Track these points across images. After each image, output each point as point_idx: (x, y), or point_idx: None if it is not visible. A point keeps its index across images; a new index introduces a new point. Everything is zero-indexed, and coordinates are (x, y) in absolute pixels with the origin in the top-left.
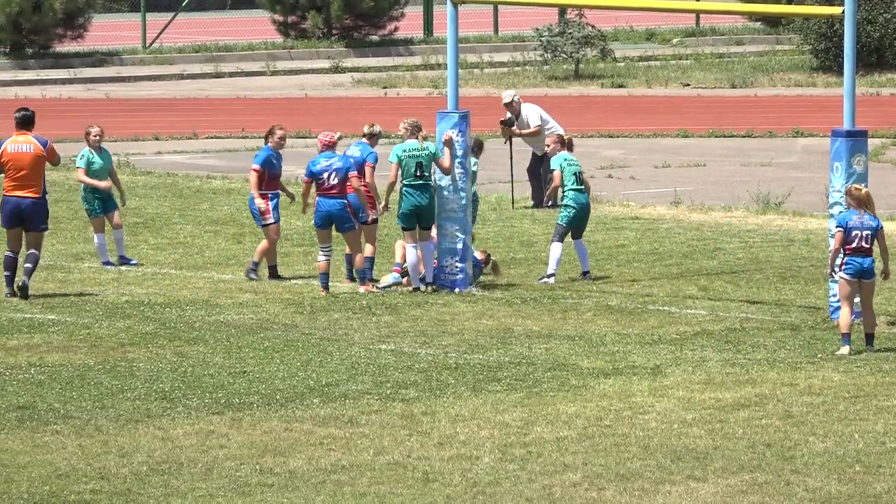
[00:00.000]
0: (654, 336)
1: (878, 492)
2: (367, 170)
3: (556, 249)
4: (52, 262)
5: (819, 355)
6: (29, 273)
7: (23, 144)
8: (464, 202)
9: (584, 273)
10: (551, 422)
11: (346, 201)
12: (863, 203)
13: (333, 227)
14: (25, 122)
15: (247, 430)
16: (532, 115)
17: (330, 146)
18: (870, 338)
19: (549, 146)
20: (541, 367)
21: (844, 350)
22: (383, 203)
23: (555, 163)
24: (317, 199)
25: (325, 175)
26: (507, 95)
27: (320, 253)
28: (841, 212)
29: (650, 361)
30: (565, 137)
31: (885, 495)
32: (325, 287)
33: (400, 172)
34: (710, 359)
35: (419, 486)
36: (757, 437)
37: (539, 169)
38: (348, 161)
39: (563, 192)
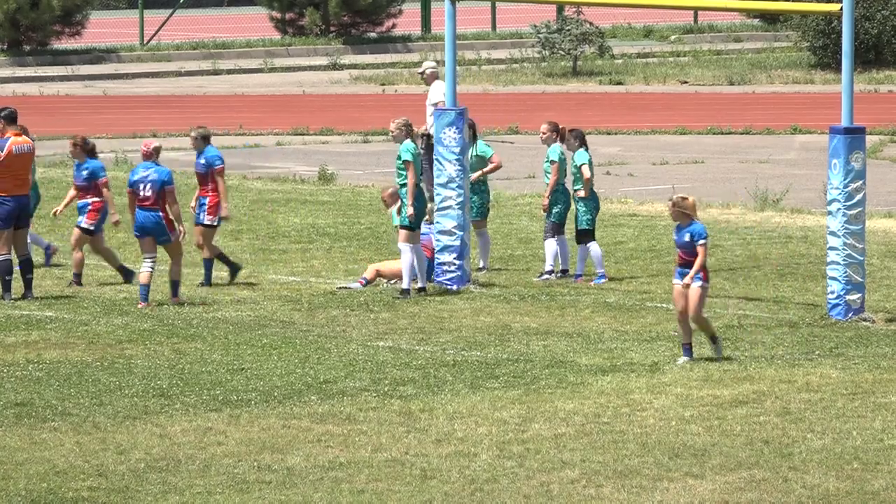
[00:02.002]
0: (651, 333)
1: (876, 489)
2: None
3: (551, 246)
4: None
5: (817, 352)
6: (31, 283)
7: (23, 144)
8: (461, 199)
9: (564, 271)
10: (549, 419)
11: (161, 214)
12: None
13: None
14: (16, 118)
15: (245, 427)
16: (437, 90)
17: (147, 156)
18: (686, 348)
19: (544, 134)
20: (539, 364)
21: (681, 360)
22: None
23: (554, 153)
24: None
25: (141, 186)
26: (425, 66)
27: (143, 264)
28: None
29: (648, 358)
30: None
31: (882, 492)
32: (144, 299)
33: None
34: (707, 356)
35: (417, 483)
36: (755, 434)
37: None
38: (165, 174)
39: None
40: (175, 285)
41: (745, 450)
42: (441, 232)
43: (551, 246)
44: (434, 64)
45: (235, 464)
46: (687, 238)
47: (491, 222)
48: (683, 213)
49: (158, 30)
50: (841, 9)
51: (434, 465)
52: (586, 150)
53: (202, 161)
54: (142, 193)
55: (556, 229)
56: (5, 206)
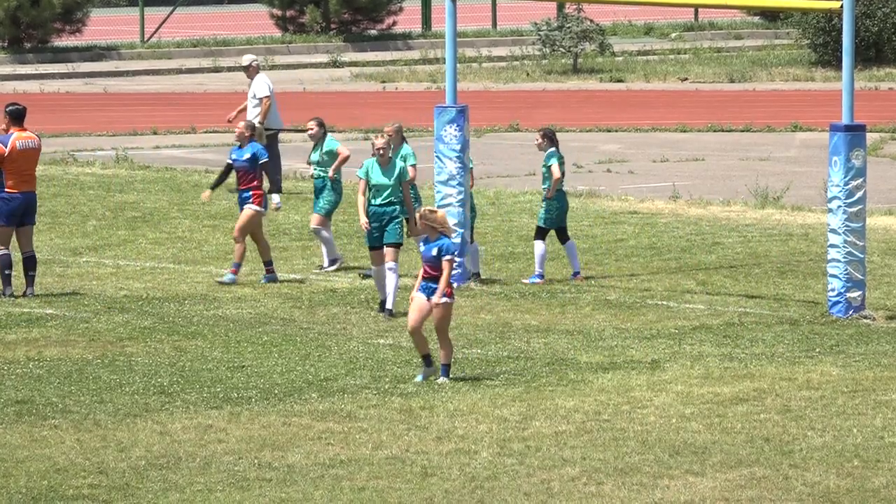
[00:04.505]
0: (652, 330)
1: (877, 486)
2: None
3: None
4: (50, 256)
5: (817, 350)
6: (33, 280)
7: (28, 140)
8: (462, 196)
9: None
10: (550, 416)
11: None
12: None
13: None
14: (23, 116)
15: (245, 425)
16: (261, 85)
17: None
18: (445, 368)
19: (539, 141)
20: (539, 361)
21: (441, 380)
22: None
23: (551, 158)
24: None
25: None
26: (246, 59)
27: None
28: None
29: (648, 356)
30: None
31: (883, 489)
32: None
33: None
34: (708, 353)
35: (417, 481)
36: (755, 432)
37: (275, 148)
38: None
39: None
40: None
41: (746, 447)
42: None
43: (541, 248)
44: (255, 57)
45: (236, 461)
46: (434, 252)
47: (491, 219)
48: (431, 227)
49: (159, 27)
50: (841, 6)
51: (434, 462)
52: (558, 149)
53: (247, 155)
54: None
55: (542, 233)
56: (13, 203)
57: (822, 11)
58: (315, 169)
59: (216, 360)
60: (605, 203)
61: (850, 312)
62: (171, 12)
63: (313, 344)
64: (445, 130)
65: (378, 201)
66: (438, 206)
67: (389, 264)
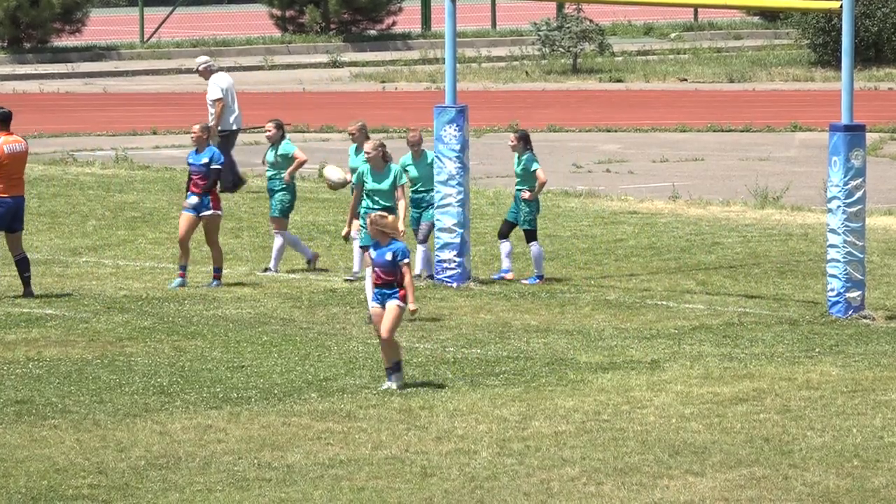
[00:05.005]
0: (652, 330)
1: (877, 486)
2: None
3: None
4: (49, 256)
5: (817, 350)
6: (30, 280)
7: (15, 144)
8: (461, 196)
9: (503, 275)
10: (549, 416)
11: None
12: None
13: None
14: (9, 120)
15: (245, 425)
16: (213, 88)
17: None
18: (390, 370)
19: (514, 143)
20: (539, 361)
21: (389, 385)
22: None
23: (534, 163)
24: None
25: None
26: (197, 61)
27: None
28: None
29: (648, 356)
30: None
31: (882, 489)
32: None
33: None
34: (708, 353)
35: (417, 481)
36: (755, 432)
37: (228, 149)
38: None
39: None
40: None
41: (746, 447)
42: (441, 230)
43: (506, 247)
44: (207, 58)
45: (235, 461)
46: (389, 257)
47: (491, 219)
48: (382, 233)
49: (159, 27)
50: (841, 6)
51: (434, 462)
52: (532, 151)
53: (205, 159)
54: None
55: (532, 235)
56: (2, 207)
57: (821, 11)
58: (269, 170)
59: (216, 360)
60: (604, 203)
61: (850, 312)
62: (171, 12)
63: (313, 344)
64: (445, 130)
65: (379, 206)
66: (438, 207)
67: None
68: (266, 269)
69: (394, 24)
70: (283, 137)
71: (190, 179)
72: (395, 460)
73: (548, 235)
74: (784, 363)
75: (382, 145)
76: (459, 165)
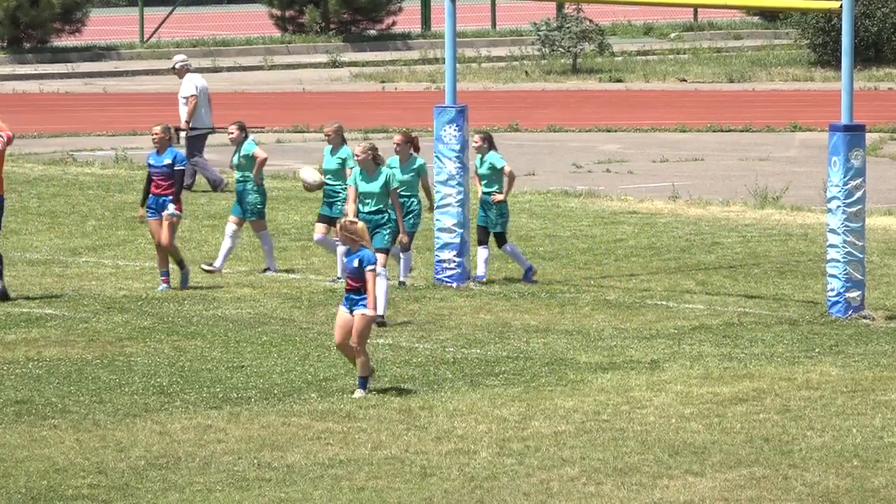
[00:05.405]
0: (651, 331)
1: (876, 486)
2: None
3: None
4: (49, 256)
5: (817, 350)
6: (2, 274)
7: None
8: (461, 196)
9: (479, 278)
10: (549, 416)
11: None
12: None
13: None
14: None
15: (245, 425)
16: (187, 85)
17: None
18: (362, 380)
19: (477, 143)
20: (538, 361)
21: (358, 394)
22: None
23: (501, 161)
24: None
25: None
26: (174, 60)
27: None
28: None
29: (648, 356)
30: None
31: (882, 489)
32: None
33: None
34: (707, 353)
35: (417, 481)
36: (755, 432)
37: (200, 148)
38: None
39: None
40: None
41: (745, 447)
42: (441, 229)
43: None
44: (184, 57)
45: (235, 461)
46: (356, 264)
47: None
48: (352, 239)
49: (158, 27)
50: (841, 6)
51: (434, 462)
52: (496, 151)
53: (167, 160)
54: None
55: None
56: None
57: (821, 11)
58: (236, 173)
59: (216, 360)
60: (604, 203)
61: (850, 312)
62: (171, 12)
63: (313, 344)
64: (445, 130)
65: (366, 209)
66: (437, 207)
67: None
68: (265, 270)
69: (394, 24)
70: (245, 138)
71: (150, 181)
72: (394, 460)
73: (548, 235)
74: (784, 363)
75: (373, 148)
76: (459, 165)
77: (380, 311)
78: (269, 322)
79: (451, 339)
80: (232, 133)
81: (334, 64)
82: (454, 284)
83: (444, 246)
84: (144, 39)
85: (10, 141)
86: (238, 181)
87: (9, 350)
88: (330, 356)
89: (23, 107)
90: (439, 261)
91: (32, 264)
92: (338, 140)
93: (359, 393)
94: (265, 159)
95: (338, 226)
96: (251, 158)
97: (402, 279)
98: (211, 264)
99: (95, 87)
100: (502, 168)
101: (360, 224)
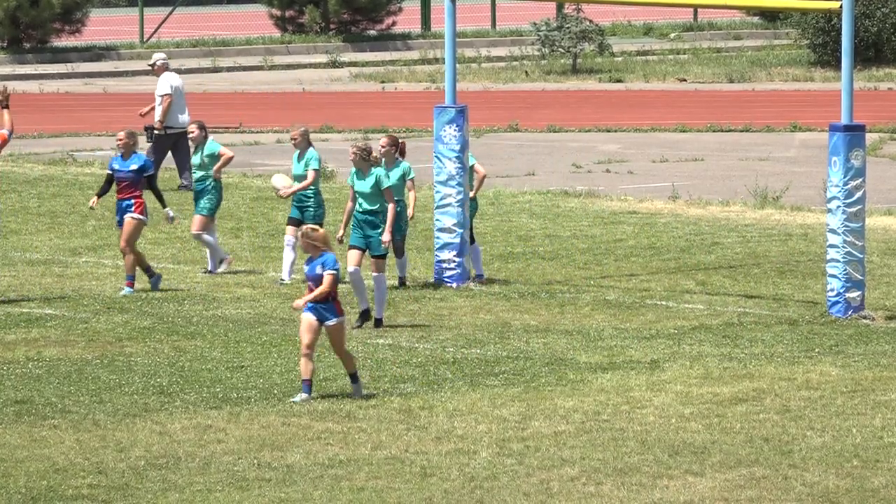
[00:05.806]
0: (651, 331)
1: (876, 486)
2: None
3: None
4: (49, 256)
5: (817, 350)
6: None
7: None
8: (461, 196)
9: (478, 276)
10: (549, 416)
11: None
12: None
13: None
14: None
15: (244, 425)
16: (163, 84)
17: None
18: (352, 376)
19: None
20: (538, 361)
21: (300, 397)
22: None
23: (472, 159)
24: None
25: None
26: (153, 58)
27: None
28: None
29: (648, 356)
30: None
31: (882, 489)
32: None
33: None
34: (707, 353)
35: (417, 481)
36: (755, 432)
37: (179, 145)
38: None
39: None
40: None
41: (745, 447)
42: (441, 230)
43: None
44: (163, 56)
45: (235, 461)
46: (318, 270)
47: (490, 219)
48: (313, 245)
49: (158, 27)
50: (841, 6)
51: (434, 462)
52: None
53: (134, 166)
54: None
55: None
56: None
57: (821, 11)
58: (195, 171)
59: (216, 360)
60: (604, 203)
61: (850, 312)
62: (171, 12)
63: None
64: (445, 130)
65: (362, 209)
66: (437, 207)
67: (375, 275)
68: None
69: (394, 24)
70: (206, 138)
71: (109, 183)
72: (394, 460)
73: (548, 235)
74: (784, 363)
75: (363, 149)
76: (459, 165)
77: (378, 315)
78: (269, 322)
79: (451, 339)
80: (192, 133)
81: (334, 64)
82: (454, 284)
83: (444, 246)
84: (144, 39)
85: (5, 142)
86: (197, 181)
87: (9, 350)
88: (330, 356)
89: (23, 107)
90: (439, 261)
91: (32, 264)
92: (304, 144)
93: (354, 388)
94: (231, 158)
95: (299, 233)
96: (215, 158)
97: (401, 276)
98: (208, 270)
99: (95, 87)
100: (473, 166)
101: (322, 231)
